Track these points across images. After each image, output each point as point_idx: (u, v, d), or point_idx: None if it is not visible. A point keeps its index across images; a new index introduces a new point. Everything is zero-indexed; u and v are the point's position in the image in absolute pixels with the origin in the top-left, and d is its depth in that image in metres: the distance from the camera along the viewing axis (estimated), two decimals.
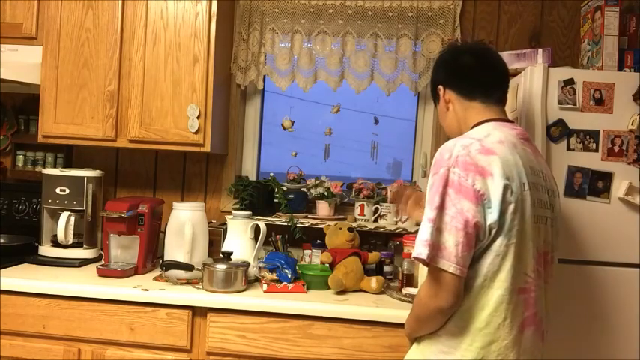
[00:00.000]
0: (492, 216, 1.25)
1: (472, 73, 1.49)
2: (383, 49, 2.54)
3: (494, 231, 1.26)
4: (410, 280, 2.11)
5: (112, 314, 1.95)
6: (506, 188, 1.26)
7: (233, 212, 2.29)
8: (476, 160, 1.27)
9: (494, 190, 1.25)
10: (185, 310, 1.94)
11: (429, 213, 1.26)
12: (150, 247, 2.24)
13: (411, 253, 1.54)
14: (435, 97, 1.57)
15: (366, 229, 2.43)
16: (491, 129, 1.38)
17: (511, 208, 1.27)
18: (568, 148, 1.80)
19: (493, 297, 1.28)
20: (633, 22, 1.97)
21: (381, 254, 2.28)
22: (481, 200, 1.24)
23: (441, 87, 1.53)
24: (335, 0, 2.55)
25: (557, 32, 2.50)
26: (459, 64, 1.52)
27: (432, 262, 1.24)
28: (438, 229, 1.24)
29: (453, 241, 1.23)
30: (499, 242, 1.27)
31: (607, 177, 1.80)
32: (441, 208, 1.24)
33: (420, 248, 1.24)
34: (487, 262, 1.27)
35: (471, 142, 1.31)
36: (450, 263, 1.23)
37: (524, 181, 1.31)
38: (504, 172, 1.27)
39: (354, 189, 2.57)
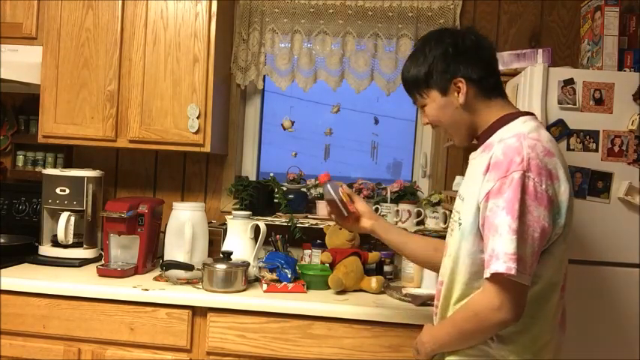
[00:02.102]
0: (560, 222, 1.22)
1: (493, 68, 1.38)
2: (383, 49, 2.54)
3: (557, 237, 1.22)
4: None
5: (112, 314, 1.95)
6: (569, 193, 1.23)
7: (233, 212, 2.29)
8: (544, 162, 1.21)
9: (562, 195, 1.22)
10: (185, 310, 1.94)
11: (510, 222, 1.16)
12: (150, 247, 2.24)
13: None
14: (439, 90, 1.37)
15: None
16: (535, 126, 1.29)
17: (570, 212, 1.25)
18: (568, 148, 1.80)
19: (554, 301, 1.27)
20: (633, 22, 1.97)
21: (381, 254, 2.28)
22: (552, 206, 1.20)
23: (462, 81, 1.33)
24: (335, 0, 2.55)
25: (557, 32, 2.50)
26: (489, 56, 1.38)
27: (518, 279, 1.15)
28: (521, 240, 1.16)
29: (530, 251, 1.17)
30: (561, 248, 1.24)
31: (607, 177, 1.80)
32: (521, 217, 1.16)
33: (508, 263, 1.14)
34: (549, 268, 1.24)
35: (534, 143, 1.22)
36: (525, 275, 1.16)
37: (571, 182, 1.28)
38: (565, 175, 1.24)
39: (354, 189, 2.57)
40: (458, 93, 1.34)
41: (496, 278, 1.17)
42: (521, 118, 1.32)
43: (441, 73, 1.35)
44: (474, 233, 1.26)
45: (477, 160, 1.35)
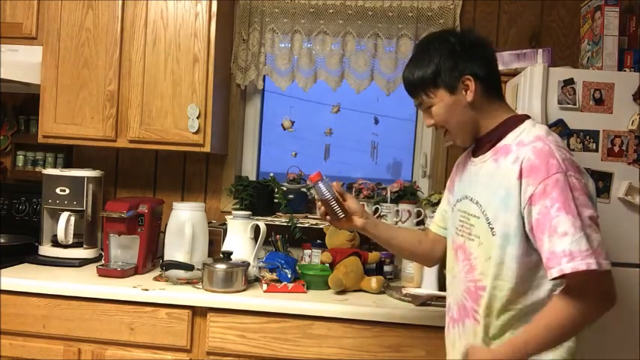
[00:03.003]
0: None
1: (497, 68, 1.41)
2: (383, 49, 2.54)
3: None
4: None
5: (112, 314, 1.95)
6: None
7: (233, 212, 2.29)
8: (573, 160, 1.26)
9: (592, 189, 1.28)
10: (185, 310, 1.94)
11: (574, 221, 1.18)
12: (150, 247, 2.24)
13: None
14: (447, 88, 1.35)
15: None
16: (546, 128, 1.34)
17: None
18: (568, 148, 1.80)
19: None
20: (633, 22, 1.97)
21: (381, 254, 2.28)
22: (591, 197, 1.25)
23: (470, 78, 1.33)
24: (335, 0, 2.55)
25: (557, 32, 2.50)
26: (491, 56, 1.39)
27: (600, 268, 1.17)
28: (587, 235, 1.18)
29: (599, 240, 1.19)
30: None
31: (607, 177, 1.80)
32: (580, 214, 1.19)
33: (587, 259, 1.15)
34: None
35: (557, 143, 1.27)
36: (607, 262, 1.18)
37: None
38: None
39: (354, 189, 2.57)
40: (466, 91, 1.34)
41: (580, 277, 1.17)
42: (528, 122, 1.35)
43: (449, 71, 1.34)
44: (520, 237, 1.27)
45: (490, 164, 1.35)
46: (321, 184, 1.49)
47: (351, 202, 1.55)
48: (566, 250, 1.17)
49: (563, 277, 1.18)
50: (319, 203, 1.53)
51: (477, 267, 1.36)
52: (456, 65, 1.33)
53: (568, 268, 1.16)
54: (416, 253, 1.64)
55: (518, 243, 1.27)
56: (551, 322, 1.23)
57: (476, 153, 1.44)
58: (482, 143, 1.41)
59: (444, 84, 1.35)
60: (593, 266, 1.15)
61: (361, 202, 2.50)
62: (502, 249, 1.29)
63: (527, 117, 1.39)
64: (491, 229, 1.31)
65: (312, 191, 2.63)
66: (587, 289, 1.19)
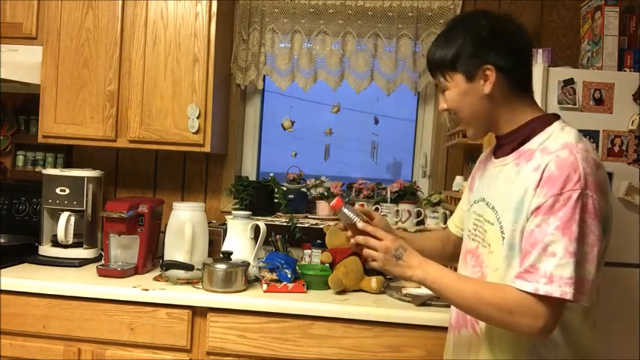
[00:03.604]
0: (607, 236, 1.18)
1: (525, 60, 1.30)
2: (383, 49, 2.54)
3: (605, 245, 1.19)
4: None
5: (112, 314, 1.95)
6: (610, 203, 1.19)
7: (233, 212, 2.29)
8: (598, 177, 1.15)
9: (610, 210, 1.18)
10: (185, 310, 1.94)
11: (567, 245, 1.10)
12: (150, 247, 2.24)
13: None
14: (465, 74, 1.25)
15: None
16: (576, 134, 1.22)
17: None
18: None
19: (596, 313, 1.26)
20: (633, 22, 1.97)
21: None
22: (604, 222, 1.15)
23: (492, 68, 1.22)
24: (335, 0, 2.55)
25: (557, 32, 2.50)
26: (525, 48, 1.29)
27: (575, 300, 1.10)
28: (578, 263, 1.10)
29: (591, 272, 1.12)
30: (602, 261, 1.19)
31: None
32: (581, 239, 1.10)
33: (564, 288, 1.09)
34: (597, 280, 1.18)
35: (586, 155, 1.15)
36: (585, 297, 1.11)
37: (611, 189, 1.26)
38: (610, 187, 1.23)
39: (354, 189, 2.58)
40: (485, 81, 1.23)
41: (545, 299, 1.11)
42: (557, 124, 1.25)
43: (470, 56, 1.24)
44: (519, 249, 1.20)
45: (511, 168, 1.26)
46: (345, 210, 1.39)
47: (378, 221, 1.42)
48: (547, 271, 1.10)
49: (533, 295, 1.12)
50: (345, 227, 1.39)
51: (487, 276, 1.28)
52: (478, 52, 1.23)
53: (543, 290, 1.10)
54: (442, 257, 1.52)
55: (518, 254, 1.19)
56: (485, 299, 1.17)
57: (497, 153, 1.34)
58: (504, 143, 1.31)
59: (462, 69, 1.25)
60: (568, 296, 1.09)
61: (361, 202, 2.51)
62: (507, 260, 1.22)
63: (557, 117, 1.28)
64: (503, 238, 1.23)
65: (312, 191, 2.64)
66: (547, 314, 1.11)
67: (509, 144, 1.29)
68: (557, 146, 1.18)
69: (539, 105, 1.36)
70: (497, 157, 1.34)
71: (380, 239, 1.27)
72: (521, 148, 1.25)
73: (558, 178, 1.13)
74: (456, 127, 2.23)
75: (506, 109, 1.27)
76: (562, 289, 1.09)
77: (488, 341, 1.27)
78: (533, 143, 1.24)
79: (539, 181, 1.16)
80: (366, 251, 1.29)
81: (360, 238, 1.30)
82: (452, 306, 1.41)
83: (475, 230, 1.35)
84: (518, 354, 1.23)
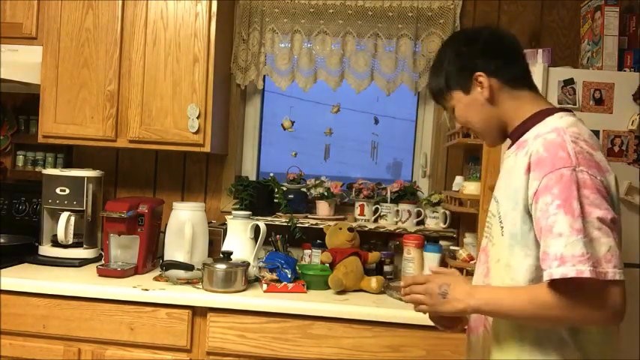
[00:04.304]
0: (616, 212, 1.16)
1: (514, 57, 1.31)
2: (383, 49, 2.54)
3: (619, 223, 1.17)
4: None
5: (112, 314, 1.95)
6: (615, 182, 1.17)
7: (233, 212, 2.29)
8: (593, 155, 1.14)
9: (613, 188, 1.16)
10: (185, 310, 1.94)
11: (571, 222, 1.07)
12: (150, 247, 2.24)
13: None
14: (461, 89, 1.31)
15: (366, 229, 2.43)
16: (574, 121, 1.22)
17: (617, 203, 1.19)
18: None
19: None
20: (633, 22, 1.97)
21: (381, 254, 2.28)
22: (609, 196, 1.13)
23: (482, 74, 1.27)
24: (335, 0, 2.55)
25: (557, 32, 2.50)
26: (507, 46, 1.31)
27: (597, 277, 1.05)
28: (589, 238, 1.07)
29: (609, 245, 1.08)
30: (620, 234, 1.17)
31: None
32: (583, 214, 1.08)
33: (578, 266, 1.04)
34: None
35: (576, 136, 1.15)
36: (616, 270, 1.07)
37: (615, 175, 1.22)
38: (610, 168, 1.18)
39: (354, 189, 2.57)
40: (481, 88, 1.28)
41: (573, 284, 1.07)
42: (558, 114, 1.25)
43: (458, 72, 1.31)
44: (527, 238, 1.18)
45: (512, 158, 1.27)
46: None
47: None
48: (558, 253, 1.07)
49: (554, 282, 1.08)
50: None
51: (491, 270, 1.29)
52: (464, 65, 1.30)
53: (557, 273, 1.06)
54: None
55: (526, 244, 1.18)
56: (529, 307, 1.13)
57: (507, 151, 1.37)
58: (512, 140, 1.32)
59: (456, 85, 1.32)
60: (586, 274, 1.04)
61: (361, 202, 2.51)
62: (510, 249, 1.21)
63: (563, 110, 1.28)
64: (501, 228, 1.24)
65: (312, 191, 2.63)
66: (581, 298, 1.08)
67: (514, 139, 1.31)
68: (547, 130, 1.19)
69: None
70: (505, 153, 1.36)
71: (421, 284, 1.26)
72: (520, 139, 1.27)
73: (547, 158, 1.14)
74: (457, 128, 2.23)
75: (510, 108, 1.29)
76: (577, 268, 1.05)
77: (496, 340, 1.27)
78: (530, 133, 1.25)
79: (529, 164, 1.17)
80: (413, 297, 1.27)
81: (406, 289, 1.29)
82: None
83: (486, 227, 1.36)
84: (522, 353, 1.21)
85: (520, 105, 1.29)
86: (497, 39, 1.32)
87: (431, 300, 1.23)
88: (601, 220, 1.09)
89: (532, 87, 1.32)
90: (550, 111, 1.27)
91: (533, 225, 1.16)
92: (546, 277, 1.09)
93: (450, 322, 1.39)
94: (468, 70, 1.29)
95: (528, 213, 1.17)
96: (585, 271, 1.05)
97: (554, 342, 1.18)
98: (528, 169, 1.17)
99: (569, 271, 1.06)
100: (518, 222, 1.19)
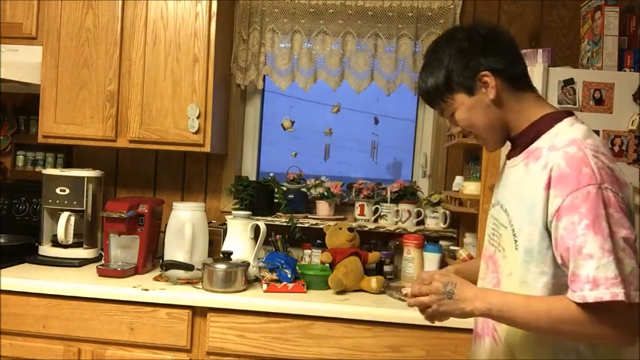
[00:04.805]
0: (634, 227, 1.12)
1: (519, 56, 1.25)
2: (383, 49, 2.54)
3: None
4: None
5: (112, 314, 1.95)
6: (632, 194, 1.15)
7: (233, 212, 2.29)
8: (613, 169, 1.10)
9: (631, 200, 1.13)
10: (185, 310, 1.94)
11: (602, 243, 1.03)
12: (150, 247, 2.24)
13: None
14: (465, 91, 1.23)
15: (366, 229, 2.43)
16: (586, 130, 1.17)
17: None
18: None
19: None
20: (633, 22, 1.97)
21: (381, 254, 2.28)
22: (630, 214, 1.10)
23: (488, 74, 1.20)
24: (335, 0, 2.55)
25: (557, 32, 2.50)
26: (508, 44, 1.24)
27: (630, 301, 1.02)
28: (618, 260, 1.03)
29: (632, 266, 1.04)
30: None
31: None
32: (612, 234, 1.04)
33: (612, 289, 1.01)
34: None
35: (595, 150, 1.11)
36: (636, 293, 1.04)
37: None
38: (625, 179, 1.14)
39: (354, 189, 2.58)
40: (486, 88, 1.21)
41: (602, 307, 1.03)
42: (567, 121, 1.20)
43: (462, 71, 1.22)
44: (545, 255, 1.14)
45: (521, 168, 1.22)
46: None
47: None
48: (590, 275, 1.03)
49: (585, 305, 1.04)
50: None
51: (501, 281, 1.25)
52: (468, 63, 1.21)
53: (591, 297, 1.03)
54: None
55: (543, 261, 1.14)
56: (545, 319, 1.09)
57: (510, 155, 1.31)
58: (515, 144, 1.27)
59: (459, 86, 1.23)
60: (620, 297, 1.01)
61: (361, 202, 2.51)
62: (525, 265, 1.16)
63: (569, 114, 1.23)
64: (515, 241, 1.19)
65: (312, 191, 2.63)
66: (608, 319, 1.05)
67: (519, 144, 1.26)
68: (564, 142, 1.14)
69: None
70: (509, 158, 1.31)
71: (427, 284, 1.21)
72: (530, 147, 1.22)
73: (570, 174, 1.09)
74: (455, 131, 2.23)
75: (514, 110, 1.24)
76: (611, 291, 1.02)
77: (509, 353, 1.23)
78: (542, 141, 1.19)
79: (549, 179, 1.11)
80: (418, 299, 1.21)
81: (415, 289, 1.23)
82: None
83: (493, 235, 1.31)
84: None
85: (524, 108, 1.24)
86: (498, 35, 1.25)
87: (436, 298, 1.18)
88: (625, 240, 1.06)
89: (533, 88, 1.28)
90: (556, 116, 1.22)
91: (551, 243, 1.12)
92: (578, 300, 1.06)
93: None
94: (473, 69, 1.21)
95: (547, 230, 1.13)
96: (620, 294, 1.02)
97: (570, 353, 1.15)
98: (549, 185, 1.11)
99: (603, 295, 1.02)
100: (535, 238, 1.14)
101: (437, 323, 1.29)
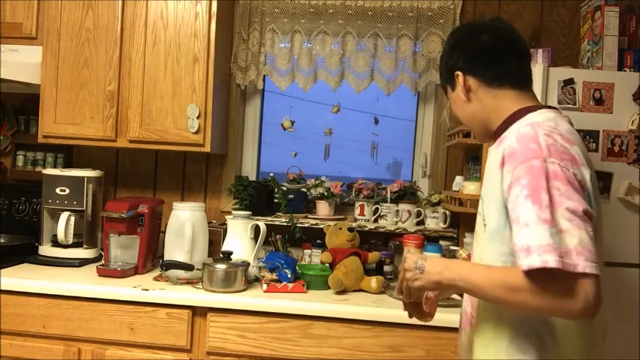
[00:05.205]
0: (592, 207, 1.11)
1: (497, 56, 1.30)
2: (383, 49, 2.54)
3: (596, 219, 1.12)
4: None
5: (112, 314, 1.95)
6: (594, 181, 1.16)
7: (233, 212, 2.29)
8: (565, 147, 1.13)
9: (588, 183, 1.13)
10: (185, 310, 1.94)
11: (538, 212, 1.05)
12: (150, 247, 2.24)
13: None
14: (450, 86, 1.37)
15: (366, 229, 2.44)
16: (553, 116, 1.22)
17: (597, 202, 1.17)
18: None
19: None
20: (633, 22, 1.97)
21: (381, 254, 2.28)
22: (583, 190, 1.10)
23: (459, 73, 1.31)
24: (335, 0, 2.55)
25: (557, 32, 2.50)
26: (480, 44, 1.31)
27: (565, 268, 1.02)
28: (558, 230, 1.04)
29: (581, 237, 1.04)
30: (598, 231, 1.14)
31: (607, 177, 1.80)
32: (552, 205, 1.05)
33: (543, 256, 1.02)
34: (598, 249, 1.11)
35: (551, 130, 1.15)
36: (587, 263, 1.02)
37: (593, 172, 1.19)
38: (588, 163, 1.16)
39: (354, 189, 2.58)
40: (459, 86, 1.33)
41: (562, 278, 1.03)
42: (540, 110, 1.25)
43: (444, 70, 1.38)
44: (502, 233, 1.17)
45: (492, 155, 1.27)
46: None
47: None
48: (524, 243, 1.05)
49: (528, 273, 1.05)
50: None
51: None
52: (447, 63, 1.36)
53: (524, 264, 1.04)
54: None
55: (500, 239, 1.18)
56: (501, 287, 1.09)
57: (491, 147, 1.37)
58: (496, 138, 1.32)
59: (446, 82, 1.39)
60: (551, 263, 1.01)
61: (361, 202, 2.51)
62: (488, 246, 1.22)
63: (548, 107, 1.28)
64: (485, 225, 1.24)
65: (312, 191, 2.63)
66: (550, 287, 1.04)
67: (497, 137, 1.30)
68: (522, 125, 1.20)
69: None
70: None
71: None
72: (501, 136, 1.27)
73: (518, 150, 1.14)
74: (457, 127, 2.24)
75: (491, 107, 1.31)
76: (542, 258, 1.03)
77: (478, 337, 1.27)
78: (510, 130, 1.25)
79: (503, 158, 1.17)
80: (398, 284, 1.29)
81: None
82: (462, 307, 1.39)
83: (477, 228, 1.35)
84: (500, 352, 1.20)
85: (501, 104, 1.30)
86: (482, 38, 1.31)
87: (410, 275, 1.23)
88: (572, 211, 1.06)
89: (519, 85, 1.31)
90: (532, 108, 1.27)
91: (508, 220, 1.14)
92: (519, 268, 1.07)
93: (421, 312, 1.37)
94: (450, 69, 1.35)
95: (505, 207, 1.15)
96: (550, 260, 1.02)
97: (534, 342, 1.17)
98: (502, 163, 1.17)
99: (534, 261, 1.03)
100: (495, 218, 1.19)
101: (432, 322, 1.36)
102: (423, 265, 1.22)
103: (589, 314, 1.05)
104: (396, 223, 2.48)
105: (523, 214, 1.08)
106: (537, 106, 1.28)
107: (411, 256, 1.25)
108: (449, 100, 1.43)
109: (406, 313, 1.37)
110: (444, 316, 1.71)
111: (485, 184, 1.28)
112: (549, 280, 1.04)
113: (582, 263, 1.02)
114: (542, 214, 1.05)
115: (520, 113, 1.27)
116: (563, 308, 1.05)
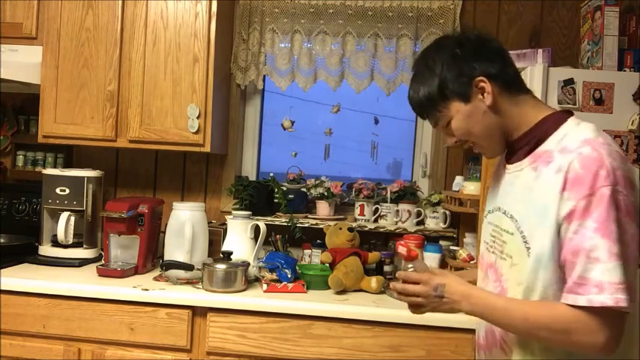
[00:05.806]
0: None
1: (509, 60, 1.23)
2: (383, 49, 2.54)
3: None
4: None
5: (112, 314, 1.95)
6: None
7: (233, 212, 2.29)
8: (626, 170, 1.07)
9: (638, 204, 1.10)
10: (185, 310, 1.94)
11: (610, 247, 1.02)
12: (150, 247, 2.24)
13: None
14: (461, 99, 1.19)
15: (366, 229, 2.43)
16: (594, 128, 1.14)
17: None
18: None
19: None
20: (633, 22, 1.97)
21: (381, 254, 2.28)
22: (638, 217, 1.08)
23: (484, 79, 1.17)
24: (335, 0, 2.55)
25: (557, 32, 2.50)
26: (498, 48, 1.22)
27: (629, 309, 1.02)
28: (624, 265, 1.02)
29: (633, 274, 1.04)
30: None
31: None
32: (620, 239, 1.03)
33: (616, 294, 1.01)
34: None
35: (609, 149, 1.08)
36: (633, 303, 1.03)
37: None
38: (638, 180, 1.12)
39: (354, 189, 2.58)
40: (483, 94, 1.18)
41: (600, 311, 1.03)
42: (571, 120, 1.17)
43: (456, 78, 1.19)
44: (554, 260, 1.10)
45: (528, 173, 1.18)
46: (420, 262, 1.38)
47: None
48: (596, 279, 1.02)
49: (588, 309, 1.03)
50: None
51: (507, 291, 1.20)
52: (462, 69, 1.18)
53: (596, 301, 1.02)
54: None
55: (553, 268, 1.11)
56: (537, 322, 1.09)
57: (510, 159, 1.26)
58: (516, 148, 1.23)
59: (454, 94, 1.19)
60: (621, 303, 1.00)
61: (361, 202, 2.51)
62: (534, 273, 1.13)
63: (570, 114, 1.20)
64: (527, 248, 1.14)
65: (312, 191, 2.63)
66: (606, 329, 1.04)
67: (522, 148, 1.21)
68: (577, 144, 1.10)
69: None
70: (510, 162, 1.26)
71: (417, 283, 1.22)
72: (537, 151, 1.18)
73: (585, 177, 1.06)
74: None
75: (513, 115, 1.20)
76: (615, 297, 1.01)
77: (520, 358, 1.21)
78: (549, 144, 1.16)
79: (564, 183, 1.08)
80: (410, 299, 1.25)
81: (399, 287, 1.25)
82: (480, 324, 1.34)
83: (493, 242, 1.28)
84: None
85: (522, 111, 1.20)
86: (488, 40, 1.22)
87: (427, 301, 1.21)
88: (630, 246, 1.04)
89: (528, 91, 1.25)
90: (558, 116, 1.19)
91: (558, 246, 1.10)
92: (584, 303, 1.04)
93: None
94: (467, 75, 1.18)
95: (557, 232, 1.09)
96: (621, 300, 1.01)
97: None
98: (564, 188, 1.08)
99: (607, 300, 1.02)
100: (546, 244, 1.11)
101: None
102: (442, 292, 1.19)
103: (612, 350, 1.06)
104: (396, 223, 2.48)
105: (595, 249, 1.03)
106: (560, 113, 1.21)
107: (429, 280, 1.21)
108: (444, 117, 1.23)
109: (406, 313, 1.35)
110: (444, 316, 1.71)
111: (520, 203, 1.19)
112: (603, 315, 1.03)
113: (633, 304, 1.03)
114: (613, 249, 1.02)
115: (550, 124, 1.18)
116: (604, 346, 1.05)
